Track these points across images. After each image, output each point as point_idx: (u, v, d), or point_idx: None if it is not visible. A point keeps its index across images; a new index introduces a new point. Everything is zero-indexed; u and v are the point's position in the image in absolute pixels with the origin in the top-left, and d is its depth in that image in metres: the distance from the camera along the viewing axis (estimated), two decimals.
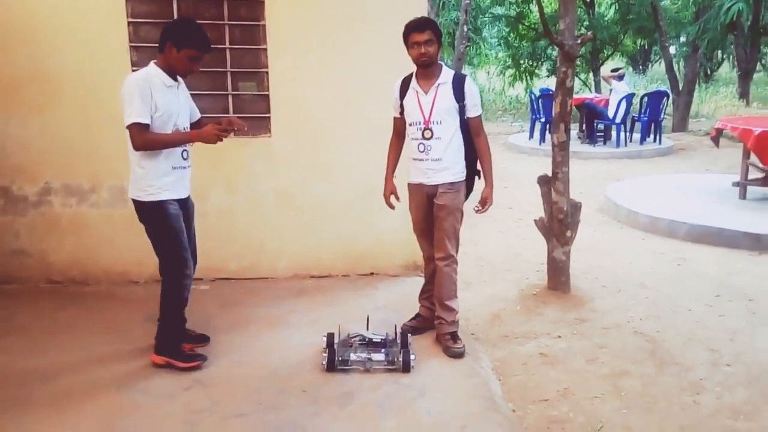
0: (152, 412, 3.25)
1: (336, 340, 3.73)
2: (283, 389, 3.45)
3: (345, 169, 5.00)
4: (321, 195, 5.03)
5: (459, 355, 3.84)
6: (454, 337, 3.92)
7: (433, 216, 3.91)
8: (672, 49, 19.48)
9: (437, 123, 3.78)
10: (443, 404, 3.32)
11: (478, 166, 3.97)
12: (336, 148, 4.97)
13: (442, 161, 3.82)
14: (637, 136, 12.90)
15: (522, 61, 19.80)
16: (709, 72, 23.91)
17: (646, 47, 24.08)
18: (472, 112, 3.84)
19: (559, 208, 4.88)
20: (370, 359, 3.62)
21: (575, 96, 14.79)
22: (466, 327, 4.32)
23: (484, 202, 3.95)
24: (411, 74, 3.89)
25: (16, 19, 4.62)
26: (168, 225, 3.57)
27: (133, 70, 4.08)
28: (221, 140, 3.49)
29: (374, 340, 3.76)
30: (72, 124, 4.72)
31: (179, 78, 3.60)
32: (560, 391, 3.62)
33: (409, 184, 4.00)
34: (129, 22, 4.66)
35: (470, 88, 3.81)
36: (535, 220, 5.17)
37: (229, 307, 4.54)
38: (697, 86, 14.56)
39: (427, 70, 3.80)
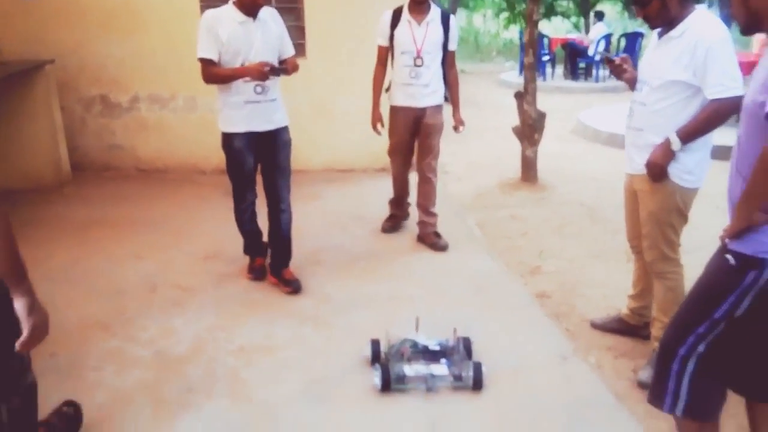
0: None
1: (383, 349, 3.14)
2: (329, 229, 5.04)
3: (363, 85, 6.38)
4: (344, 106, 6.47)
5: (445, 247, 4.61)
6: (438, 234, 4.73)
7: (421, 134, 4.56)
8: None
9: (428, 53, 4.37)
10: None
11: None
12: (357, 68, 6.36)
13: (429, 86, 4.44)
14: None
15: (516, 5, 20.81)
16: None
17: None
18: (452, 45, 4.50)
19: (529, 116, 6.34)
20: (432, 375, 2.99)
21: (562, 36, 16.11)
22: (458, 201, 5.83)
23: (459, 122, 4.60)
24: (400, 7, 4.40)
25: None
26: (230, 156, 3.87)
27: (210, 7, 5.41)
28: (268, 78, 3.62)
29: (430, 348, 3.13)
30: (156, 46, 6.14)
31: (261, 15, 3.68)
32: (520, 233, 5.18)
33: (394, 107, 4.53)
34: None
35: (454, 25, 4.48)
36: (512, 128, 6.64)
37: None
38: None
39: (420, 6, 4.36)
